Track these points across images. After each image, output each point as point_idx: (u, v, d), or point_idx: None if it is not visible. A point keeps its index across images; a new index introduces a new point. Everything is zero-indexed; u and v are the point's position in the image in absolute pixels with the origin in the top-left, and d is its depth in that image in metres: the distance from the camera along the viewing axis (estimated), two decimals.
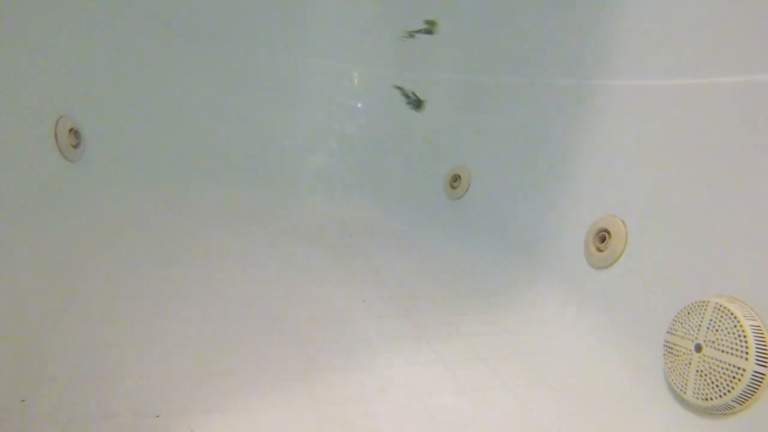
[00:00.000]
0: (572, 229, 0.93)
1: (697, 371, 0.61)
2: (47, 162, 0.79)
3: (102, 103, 1.00)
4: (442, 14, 1.35)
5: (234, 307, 0.80)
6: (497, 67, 1.24)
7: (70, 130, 0.84)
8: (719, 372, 0.59)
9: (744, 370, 0.56)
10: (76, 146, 0.86)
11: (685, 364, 0.63)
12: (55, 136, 0.81)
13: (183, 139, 1.22)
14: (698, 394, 0.61)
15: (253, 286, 0.89)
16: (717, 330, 0.60)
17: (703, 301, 0.64)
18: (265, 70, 1.33)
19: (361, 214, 1.36)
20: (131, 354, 0.65)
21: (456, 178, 1.30)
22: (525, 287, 0.99)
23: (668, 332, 0.67)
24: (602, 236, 0.85)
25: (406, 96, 1.38)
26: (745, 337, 0.57)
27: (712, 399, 0.59)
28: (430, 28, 1.31)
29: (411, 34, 1.31)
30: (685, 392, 0.63)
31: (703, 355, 0.61)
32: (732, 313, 0.59)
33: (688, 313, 0.65)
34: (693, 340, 0.63)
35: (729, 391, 0.57)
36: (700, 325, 0.63)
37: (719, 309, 0.61)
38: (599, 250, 0.85)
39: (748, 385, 0.56)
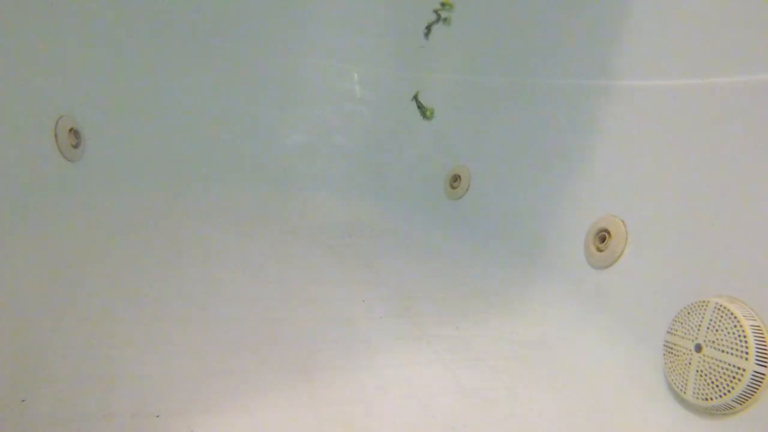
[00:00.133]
0: (572, 229, 0.93)
1: (697, 371, 0.61)
2: (47, 162, 0.79)
3: (102, 103, 1.00)
4: (443, 14, 1.35)
5: (234, 308, 0.80)
6: (497, 67, 1.24)
7: (70, 130, 0.84)
8: (719, 372, 0.59)
9: (744, 370, 0.56)
10: (76, 146, 0.86)
11: (685, 364, 0.63)
12: (55, 136, 0.81)
13: (183, 139, 1.22)
14: (698, 394, 0.61)
15: (253, 287, 0.89)
16: (717, 330, 0.60)
17: (703, 301, 0.64)
18: (266, 70, 1.33)
19: (361, 214, 1.36)
20: (131, 354, 0.65)
21: (456, 178, 1.30)
22: (525, 287, 0.99)
23: (668, 332, 0.67)
24: (602, 236, 0.85)
25: (420, 107, 1.38)
26: (745, 337, 0.57)
27: (712, 399, 0.59)
28: (444, 7, 1.28)
29: (429, 28, 1.29)
30: (685, 392, 0.63)
31: (703, 355, 0.61)
32: (732, 313, 0.59)
33: (688, 313, 0.65)
34: (693, 340, 0.63)
35: (729, 391, 0.57)
36: (700, 325, 0.63)
37: (719, 309, 0.61)
38: (599, 250, 0.85)
39: (748, 385, 0.56)
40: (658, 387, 0.68)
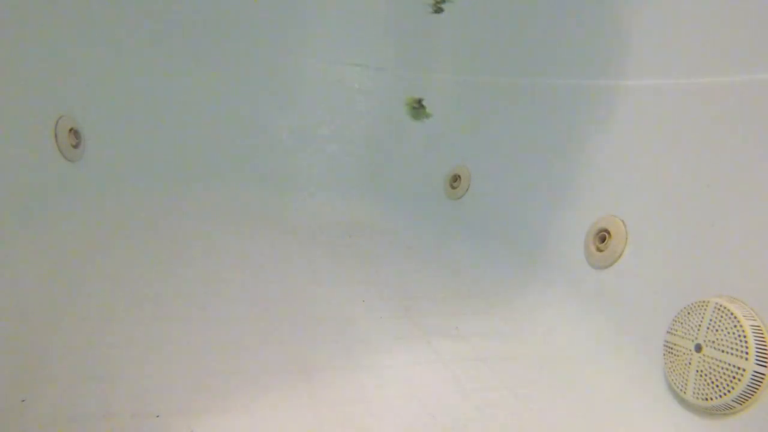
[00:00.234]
0: (572, 229, 0.93)
1: (697, 371, 0.61)
2: (47, 162, 0.79)
3: (102, 103, 1.00)
4: (443, 14, 1.35)
5: (234, 307, 0.81)
6: (497, 67, 1.24)
7: (70, 130, 0.84)
8: (719, 372, 0.59)
9: (744, 370, 0.56)
10: (76, 146, 0.86)
11: (685, 364, 0.63)
12: (55, 136, 0.81)
13: (183, 139, 1.22)
14: (698, 394, 0.61)
15: (253, 286, 0.89)
16: (717, 330, 0.60)
17: (703, 301, 0.64)
18: (266, 70, 1.33)
19: (361, 214, 1.36)
20: (131, 354, 0.65)
21: (456, 178, 1.30)
22: (525, 287, 0.99)
23: (668, 332, 0.67)
24: (602, 236, 0.85)
25: (414, 106, 1.37)
26: (745, 337, 0.57)
27: (712, 399, 0.59)
28: None
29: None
30: (685, 392, 0.63)
31: (703, 355, 0.61)
32: (732, 313, 0.59)
33: (688, 313, 0.65)
34: (693, 340, 0.63)
35: (729, 391, 0.57)
36: (700, 325, 0.63)
37: (719, 309, 0.61)
38: (599, 250, 0.85)
39: (748, 385, 0.56)
40: (658, 387, 0.68)
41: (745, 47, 0.69)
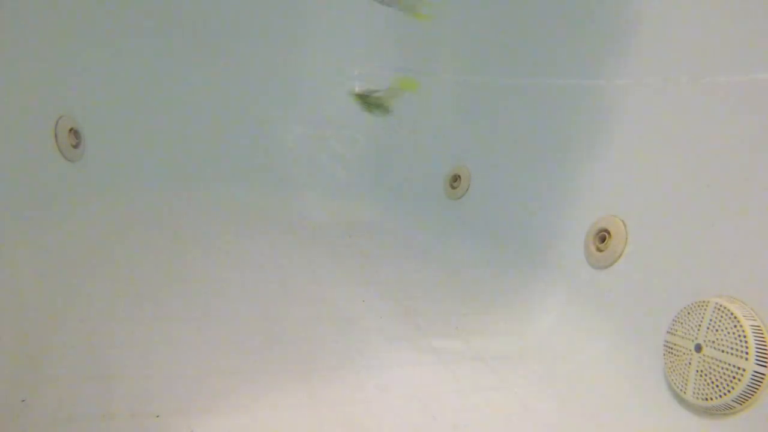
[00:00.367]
0: (572, 229, 0.93)
1: (697, 371, 0.61)
2: (47, 162, 0.79)
3: (102, 103, 1.00)
4: (443, 14, 1.35)
5: (234, 307, 0.81)
6: (498, 67, 1.24)
7: (70, 130, 0.84)
8: (719, 372, 0.59)
9: (744, 370, 0.56)
10: (76, 146, 0.86)
11: (685, 364, 0.63)
12: (55, 136, 0.81)
13: (183, 139, 1.22)
14: (698, 394, 0.61)
15: (253, 286, 0.89)
16: (717, 330, 0.60)
17: (703, 301, 0.64)
18: (266, 70, 1.33)
19: (361, 214, 1.36)
20: (131, 354, 0.65)
21: (456, 178, 1.29)
22: (525, 287, 0.99)
23: (668, 332, 0.67)
24: (602, 236, 0.85)
25: (369, 104, 1.37)
26: (745, 337, 0.57)
27: (712, 399, 0.59)
28: None
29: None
30: (685, 392, 0.63)
31: (703, 355, 0.61)
32: (732, 313, 0.59)
33: (688, 313, 0.65)
34: (693, 340, 0.63)
35: (729, 391, 0.57)
36: (700, 325, 0.63)
37: (719, 309, 0.61)
38: (599, 250, 0.85)
39: (748, 385, 0.56)
40: (658, 387, 0.68)
41: (745, 47, 0.69)
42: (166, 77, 1.18)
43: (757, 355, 0.56)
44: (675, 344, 0.66)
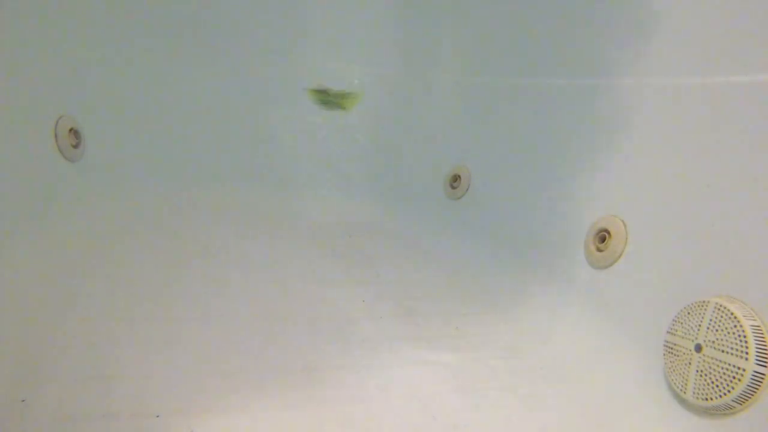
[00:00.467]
0: (572, 229, 0.93)
1: (697, 371, 0.61)
2: (47, 162, 0.79)
3: (102, 103, 1.00)
4: (443, 14, 1.35)
5: (234, 307, 0.81)
6: (498, 67, 1.24)
7: (70, 130, 0.84)
8: (719, 372, 0.59)
9: (744, 370, 0.56)
10: (76, 146, 0.86)
11: (685, 364, 0.63)
12: (55, 136, 0.81)
13: (183, 138, 1.22)
14: (698, 394, 0.61)
15: (253, 286, 0.89)
16: (717, 330, 0.60)
17: (703, 301, 0.64)
18: (265, 69, 1.33)
19: (361, 214, 1.35)
20: (131, 354, 0.65)
21: (456, 178, 1.29)
22: (525, 287, 0.99)
23: (668, 332, 0.67)
24: (602, 236, 0.85)
25: (326, 100, 1.37)
26: (745, 337, 0.57)
27: (712, 399, 0.59)
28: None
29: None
30: (685, 392, 0.63)
31: (703, 355, 0.61)
32: (732, 313, 0.59)
33: (688, 313, 0.65)
34: (693, 340, 0.63)
35: (729, 391, 0.57)
36: (700, 325, 0.63)
37: (719, 309, 0.61)
38: (599, 250, 0.85)
39: (748, 385, 0.56)
40: (657, 387, 0.68)
41: (746, 47, 0.69)
42: (166, 77, 1.18)
43: (757, 355, 0.56)
44: (675, 344, 0.66)
